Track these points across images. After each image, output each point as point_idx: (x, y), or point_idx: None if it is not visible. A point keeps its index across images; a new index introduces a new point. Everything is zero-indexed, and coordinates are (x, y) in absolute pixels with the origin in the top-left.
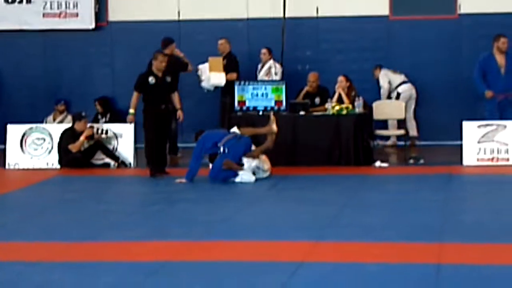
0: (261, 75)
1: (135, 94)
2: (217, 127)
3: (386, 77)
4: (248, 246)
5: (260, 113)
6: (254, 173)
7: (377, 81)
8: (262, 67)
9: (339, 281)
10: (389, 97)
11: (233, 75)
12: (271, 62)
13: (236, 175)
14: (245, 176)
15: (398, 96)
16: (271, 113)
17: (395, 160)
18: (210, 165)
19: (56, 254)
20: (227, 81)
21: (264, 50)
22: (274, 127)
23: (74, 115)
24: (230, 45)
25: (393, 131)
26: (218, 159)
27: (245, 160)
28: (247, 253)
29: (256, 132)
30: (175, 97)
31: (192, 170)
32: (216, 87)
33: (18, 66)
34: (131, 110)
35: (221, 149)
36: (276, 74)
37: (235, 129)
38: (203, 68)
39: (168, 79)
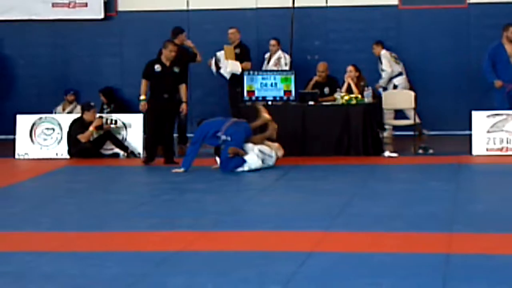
0: (270, 66)
1: (143, 82)
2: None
3: (389, 61)
4: (257, 236)
5: (270, 103)
6: (262, 161)
7: (379, 59)
8: (270, 57)
9: (349, 271)
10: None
11: (248, 65)
12: (279, 52)
13: (244, 162)
14: (251, 161)
15: (395, 88)
16: (257, 104)
17: (403, 150)
18: (217, 159)
19: (65, 244)
20: (242, 71)
21: (273, 42)
22: (267, 116)
23: (83, 105)
24: (240, 34)
25: (400, 121)
26: (223, 150)
27: (247, 146)
28: (257, 243)
29: (253, 126)
30: (182, 89)
31: (188, 158)
32: (233, 75)
33: (28, 56)
34: (142, 97)
35: (223, 138)
36: (286, 64)
37: None
38: (220, 56)
39: (176, 69)
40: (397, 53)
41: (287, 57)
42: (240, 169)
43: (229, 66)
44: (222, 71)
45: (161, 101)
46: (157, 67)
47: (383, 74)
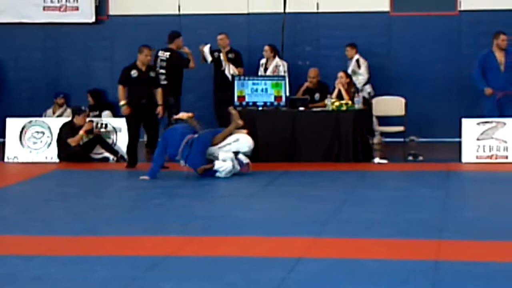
0: (269, 73)
1: (120, 88)
2: (217, 123)
3: (366, 67)
4: (247, 241)
5: (260, 108)
6: (236, 153)
7: (356, 62)
8: (267, 64)
9: (338, 277)
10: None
11: (241, 70)
12: (277, 60)
13: (216, 171)
14: (222, 168)
15: (371, 96)
16: (231, 109)
17: (392, 156)
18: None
19: (54, 248)
20: (232, 76)
21: (266, 47)
22: (240, 121)
23: (74, 109)
24: (230, 40)
25: (390, 128)
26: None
27: (211, 150)
28: (246, 248)
29: (227, 134)
30: (158, 93)
31: (154, 167)
32: (221, 80)
33: (18, 59)
34: (122, 102)
35: (181, 164)
36: (284, 72)
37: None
38: (221, 55)
39: (152, 74)
40: (388, 60)
41: (285, 64)
42: (217, 174)
43: (231, 69)
44: (226, 72)
45: (139, 106)
46: (134, 73)
47: (359, 79)
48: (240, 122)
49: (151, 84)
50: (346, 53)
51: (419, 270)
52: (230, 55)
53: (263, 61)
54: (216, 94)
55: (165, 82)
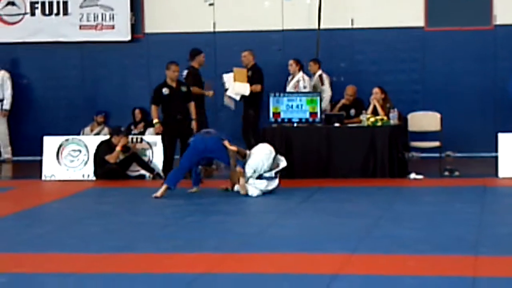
0: (289, 88)
1: (153, 108)
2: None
3: (329, 83)
4: (282, 258)
5: (295, 124)
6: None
7: (319, 77)
8: (292, 79)
9: None
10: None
11: (258, 87)
12: (300, 75)
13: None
14: (249, 193)
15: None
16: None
17: (428, 172)
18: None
19: (91, 265)
20: (252, 93)
21: (291, 61)
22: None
23: (113, 129)
24: (254, 57)
25: (425, 143)
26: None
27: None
28: (282, 265)
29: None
30: (192, 107)
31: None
32: (242, 97)
33: (55, 78)
34: (155, 121)
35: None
36: (305, 87)
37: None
38: (227, 78)
39: (184, 89)
40: (423, 75)
41: (307, 79)
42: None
43: (236, 88)
44: (229, 92)
45: (175, 122)
46: (165, 91)
47: (324, 95)
48: (233, 148)
49: (184, 99)
50: (309, 68)
51: (456, 287)
52: (248, 73)
53: (291, 77)
54: (244, 112)
55: None
